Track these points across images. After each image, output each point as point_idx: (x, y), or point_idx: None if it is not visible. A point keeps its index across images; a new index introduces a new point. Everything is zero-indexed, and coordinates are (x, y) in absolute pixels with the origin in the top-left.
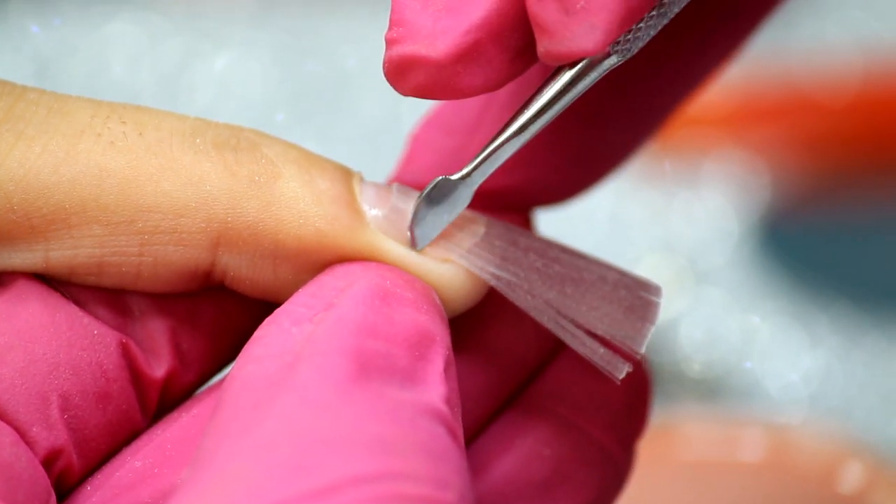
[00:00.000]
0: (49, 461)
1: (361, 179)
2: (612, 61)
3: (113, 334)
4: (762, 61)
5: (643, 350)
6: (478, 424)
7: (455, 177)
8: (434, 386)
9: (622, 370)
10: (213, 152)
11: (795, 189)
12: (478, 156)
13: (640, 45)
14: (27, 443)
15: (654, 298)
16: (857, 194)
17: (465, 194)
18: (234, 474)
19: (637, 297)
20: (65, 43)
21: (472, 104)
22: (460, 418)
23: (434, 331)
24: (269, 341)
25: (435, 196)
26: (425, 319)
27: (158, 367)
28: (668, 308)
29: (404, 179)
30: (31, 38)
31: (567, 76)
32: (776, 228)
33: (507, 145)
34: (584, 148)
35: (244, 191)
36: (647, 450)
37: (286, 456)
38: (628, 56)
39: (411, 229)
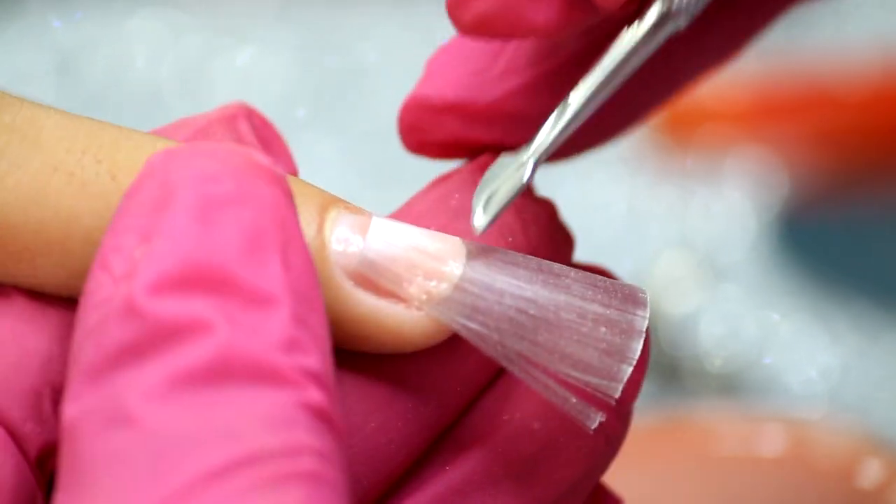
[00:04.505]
0: (43, 458)
1: (342, 211)
2: (676, 25)
3: None
4: (781, 57)
5: (617, 395)
6: (465, 403)
7: (520, 154)
8: (274, 331)
9: (594, 420)
10: None
11: (814, 185)
12: (541, 134)
13: (701, 5)
14: (20, 439)
15: (638, 328)
16: (876, 191)
17: (528, 170)
18: (93, 492)
19: (619, 332)
20: (86, 37)
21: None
22: (318, 351)
23: (267, 236)
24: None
25: (498, 172)
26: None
27: None
28: (687, 303)
29: (422, 96)
30: (52, 32)
31: (628, 37)
32: (795, 225)
33: (574, 120)
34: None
35: None
36: (667, 444)
37: (139, 465)
38: (690, 19)
39: (473, 209)
